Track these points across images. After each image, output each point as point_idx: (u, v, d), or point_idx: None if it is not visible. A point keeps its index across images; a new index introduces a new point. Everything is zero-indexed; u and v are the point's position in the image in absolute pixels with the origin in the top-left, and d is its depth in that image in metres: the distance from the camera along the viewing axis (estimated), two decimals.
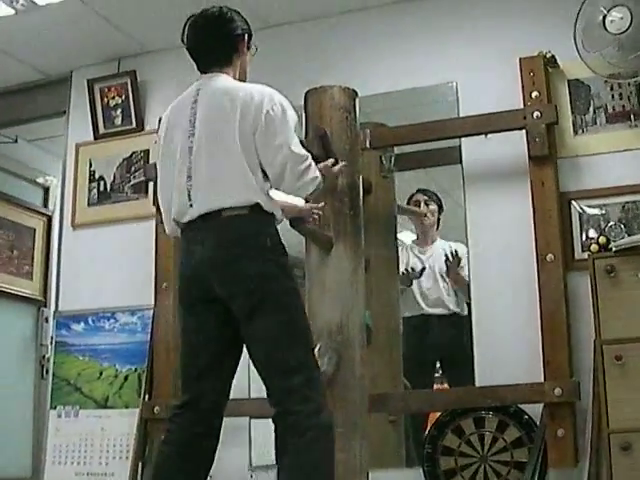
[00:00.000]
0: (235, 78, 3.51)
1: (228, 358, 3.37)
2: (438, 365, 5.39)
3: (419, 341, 5.32)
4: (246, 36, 3.56)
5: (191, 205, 3.29)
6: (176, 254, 4.94)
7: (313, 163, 3.36)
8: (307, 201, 3.83)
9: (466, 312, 5.02)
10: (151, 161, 5.34)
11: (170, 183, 3.39)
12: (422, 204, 5.44)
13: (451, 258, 5.21)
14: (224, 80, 3.45)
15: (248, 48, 3.59)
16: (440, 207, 5.47)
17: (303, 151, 3.34)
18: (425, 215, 5.45)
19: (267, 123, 3.27)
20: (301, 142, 3.42)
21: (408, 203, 5.48)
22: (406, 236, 6.06)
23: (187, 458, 3.29)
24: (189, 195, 3.29)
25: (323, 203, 3.94)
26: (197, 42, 3.52)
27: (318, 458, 3.14)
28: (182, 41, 3.57)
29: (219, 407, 3.42)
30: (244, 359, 4.58)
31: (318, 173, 3.38)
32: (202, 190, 3.27)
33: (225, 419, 4.43)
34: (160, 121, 3.65)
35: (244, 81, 3.56)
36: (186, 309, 3.40)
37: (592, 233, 4.45)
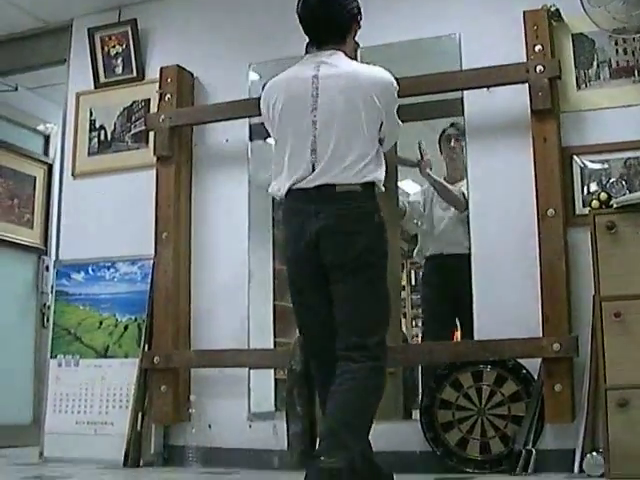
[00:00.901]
0: (348, 55, 3.69)
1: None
2: None
3: (438, 281, 5.43)
4: (359, 17, 3.75)
5: (310, 175, 3.50)
6: (181, 202, 5.09)
7: None
8: None
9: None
10: (152, 110, 5.33)
11: (286, 150, 3.58)
12: (453, 139, 5.45)
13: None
14: (343, 60, 3.66)
15: (359, 27, 3.78)
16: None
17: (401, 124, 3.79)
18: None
19: (390, 105, 3.63)
20: None
21: (440, 137, 5.52)
22: (407, 185, 6.07)
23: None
24: (312, 166, 3.50)
25: None
26: (317, 15, 3.66)
27: (360, 394, 3.41)
28: (297, 13, 3.70)
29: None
30: (242, 310, 4.62)
31: None
32: (324, 164, 3.48)
33: (224, 369, 4.47)
34: (264, 90, 3.76)
35: (354, 57, 3.81)
36: (300, 270, 3.61)
37: (593, 188, 4.43)
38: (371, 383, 3.44)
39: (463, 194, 5.10)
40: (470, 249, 4.71)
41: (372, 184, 3.52)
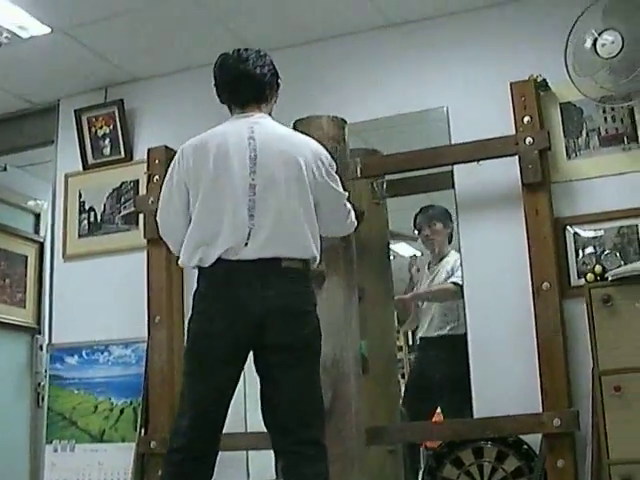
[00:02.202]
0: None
1: (230, 403, 3.39)
2: None
3: (423, 361, 5.37)
4: (279, 79, 3.65)
5: (246, 244, 3.27)
6: (173, 284, 5.03)
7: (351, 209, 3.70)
8: None
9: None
10: (141, 192, 5.31)
11: (215, 214, 3.34)
12: (425, 227, 5.43)
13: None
14: (272, 122, 3.53)
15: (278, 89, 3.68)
16: (445, 222, 5.35)
17: (346, 194, 3.67)
18: (416, 239, 5.43)
19: (327, 175, 3.49)
20: None
21: (414, 222, 5.47)
22: (402, 248, 6.04)
23: None
24: (249, 234, 3.28)
25: None
26: (237, 77, 3.54)
27: None
28: (214, 74, 3.58)
29: (217, 448, 3.43)
30: (238, 393, 4.53)
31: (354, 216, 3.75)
32: (265, 234, 3.28)
33: (223, 453, 4.40)
34: (184, 150, 3.54)
35: None
36: (218, 352, 3.31)
37: (588, 259, 4.41)
38: None
39: (454, 283, 5.08)
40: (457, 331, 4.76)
41: (308, 261, 3.37)
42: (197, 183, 3.41)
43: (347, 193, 3.68)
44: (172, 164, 3.57)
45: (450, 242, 5.40)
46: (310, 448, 3.27)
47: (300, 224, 3.33)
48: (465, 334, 4.65)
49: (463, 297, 4.70)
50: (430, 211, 5.43)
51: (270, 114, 3.61)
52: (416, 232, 5.50)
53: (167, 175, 3.59)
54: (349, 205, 3.69)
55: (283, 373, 3.29)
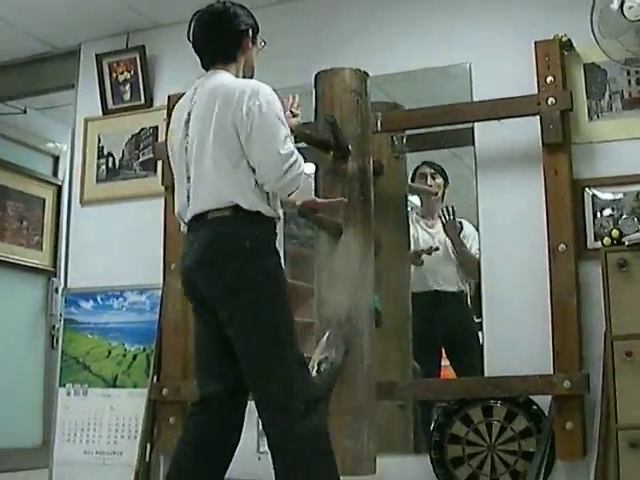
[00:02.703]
0: (238, 75, 3.45)
1: (230, 354, 3.28)
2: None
3: (427, 318, 5.33)
4: (251, 31, 3.49)
5: (188, 205, 3.32)
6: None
7: (298, 159, 3.26)
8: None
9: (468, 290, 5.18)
10: (160, 139, 5.29)
11: (177, 181, 3.44)
12: (428, 177, 5.39)
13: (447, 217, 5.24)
14: (220, 77, 3.39)
15: (254, 43, 3.52)
16: (446, 180, 5.40)
17: (286, 149, 3.23)
18: (436, 193, 5.40)
19: (249, 120, 3.21)
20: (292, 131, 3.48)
21: (414, 175, 5.40)
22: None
23: (204, 457, 3.30)
24: (188, 196, 3.32)
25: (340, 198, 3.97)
26: (200, 39, 3.48)
27: (308, 467, 3.17)
28: (187, 38, 3.52)
29: (236, 403, 3.37)
30: None
31: (301, 170, 3.27)
32: (197, 191, 3.29)
33: None
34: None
35: (251, 77, 3.51)
36: (192, 307, 3.48)
37: (605, 222, 4.39)
38: (308, 448, 3.17)
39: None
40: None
41: (239, 206, 3.21)
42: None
43: (291, 149, 3.26)
44: None
45: (443, 202, 5.43)
46: (269, 411, 3.18)
47: (224, 174, 3.22)
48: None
49: (480, 251, 4.72)
50: (434, 165, 5.38)
51: (250, 68, 3.52)
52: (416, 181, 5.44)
53: None
54: (295, 162, 3.26)
55: (226, 327, 3.23)
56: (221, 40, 3.45)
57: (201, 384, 3.37)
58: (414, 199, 5.50)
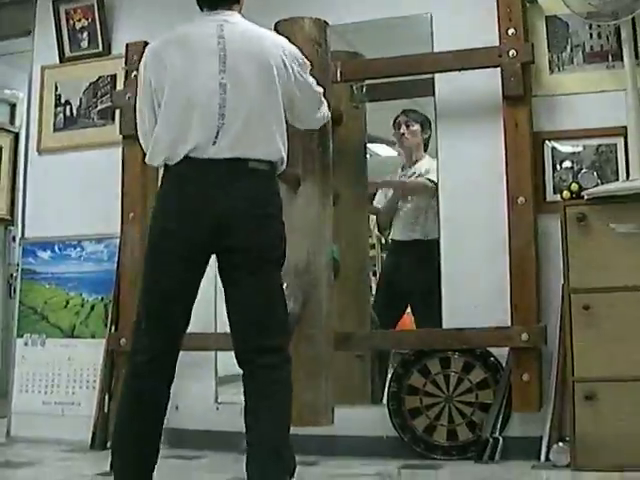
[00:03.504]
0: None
1: (193, 304, 3.28)
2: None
3: (394, 265, 5.35)
4: None
5: (214, 143, 3.14)
6: (147, 181, 4.91)
7: (323, 99, 3.64)
8: None
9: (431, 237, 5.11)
10: (118, 87, 5.23)
11: (183, 111, 3.20)
12: (402, 125, 5.43)
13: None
14: (243, 21, 3.37)
15: None
16: (424, 126, 5.40)
17: (321, 89, 3.58)
18: (394, 143, 5.42)
19: (299, 73, 3.38)
20: None
21: (394, 123, 5.46)
22: (380, 148, 6.04)
23: (150, 408, 3.23)
24: (217, 133, 3.15)
25: None
26: None
27: (288, 402, 3.25)
28: None
29: (177, 355, 3.31)
30: (208, 293, 4.46)
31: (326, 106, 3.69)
32: (234, 134, 3.15)
33: (192, 353, 4.42)
34: (149, 51, 3.38)
35: None
36: (175, 250, 3.19)
37: (565, 174, 4.40)
38: (290, 390, 3.27)
39: (430, 180, 5.13)
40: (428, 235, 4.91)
41: (276, 163, 3.26)
42: (164, 82, 3.26)
43: (322, 89, 3.60)
44: (141, 65, 3.41)
45: (426, 149, 5.43)
46: (270, 356, 3.19)
47: (269, 126, 3.22)
48: (435, 240, 4.71)
49: (438, 205, 4.70)
50: (411, 113, 5.43)
51: (240, 11, 3.45)
52: (393, 130, 5.49)
53: (138, 77, 3.46)
54: (324, 100, 3.66)
55: (244, 277, 3.20)
56: None
57: (157, 335, 3.22)
58: None
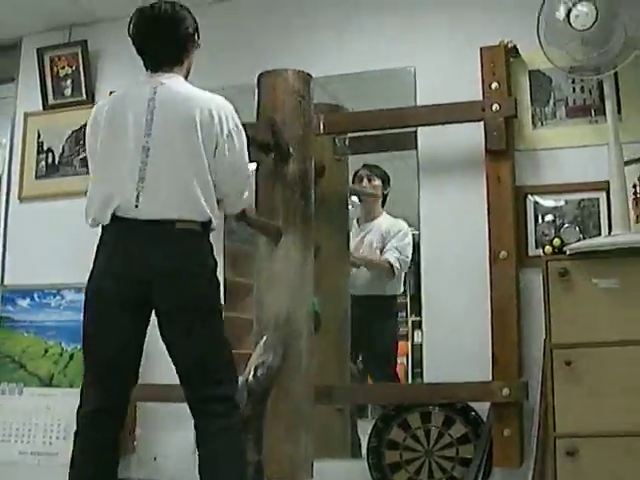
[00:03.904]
0: (184, 77, 3.46)
1: (138, 359, 3.37)
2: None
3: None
4: (196, 35, 3.51)
5: (137, 206, 3.20)
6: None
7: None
8: None
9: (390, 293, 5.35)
10: None
11: (108, 174, 3.29)
12: (364, 179, 5.43)
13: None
14: (182, 85, 3.40)
15: (196, 46, 3.54)
16: (385, 182, 5.44)
17: (249, 173, 3.53)
18: (375, 195, 5.41)
19: (229, 142, 3.34)
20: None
21: (354, 178, 5.43)
22: None
23: (103, 459, 3.31)
24: (137, 196, 3.20)
25: None
26: (147, 40, 3.44)
27: (239, 448, 3.32)
28: (129, 33, 3.46)
29: (129, 397, 3.41)
30: None
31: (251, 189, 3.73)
32: (155, 196, 3.22)
33: (170, 404, 4.39)
34: (96, 111, 3.47)
35: (187, 77, 3.51)
36: (107, 309, 3.26)
37: (547, 228, 4.40)
38: (240, 436, 3.34)
39: (388, 262, 5.24)
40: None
41: (207, 223, 3.29)
42: (96, 144, 3.38)
43: (250, 174, 3.57)
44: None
45: (383, 206, 5.48)
46: (218, 405, 3.25)
47: (192, 188, 3.24)
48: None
49: (419, 257, 4.71)
50: (373, 168, 5.43)
51: (188, 70, 3.53)
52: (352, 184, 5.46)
53: None
54: (247, 187, 3.58)
55: (177, 335, 3.26)
56: (171, 43, 3.43)
57: (97, 392, 3.31)
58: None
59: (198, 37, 3.53)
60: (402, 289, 5.45)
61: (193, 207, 3.24)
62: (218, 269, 3.39)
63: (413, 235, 5.17)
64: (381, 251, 5.34)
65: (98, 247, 3.34)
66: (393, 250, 5.29)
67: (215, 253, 3.36)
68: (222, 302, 3.45)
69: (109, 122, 3.36)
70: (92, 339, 3.33)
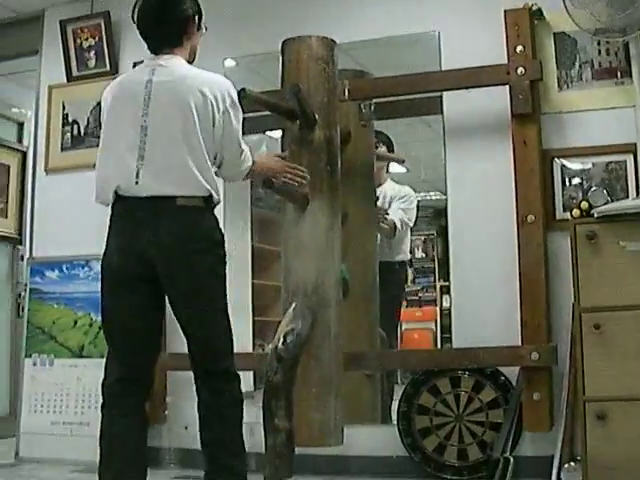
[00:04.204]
0: (186, 59, 3.50)
1: (155, 329, 3.45)
2: None
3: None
4: (196, 17, 3.54)
5: (137, 182, 3.27)
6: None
7: (249, 153, 3.55)
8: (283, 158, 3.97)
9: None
10: None
11: (110, 154, 3.39)
12: None
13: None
14: (179, 64, 3.45)
15: (199, 29, 3.58)
16: (389, 148, 5.45)
17: (243, 146, 3.50)
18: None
19: (225, 118, 3.39)
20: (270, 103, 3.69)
21: None
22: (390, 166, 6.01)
23: (130, 426, 3.39)
24: (137, 173, 3.27)
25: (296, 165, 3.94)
26: (147, 23, 3.48)
27: (236, 421, 3.42)
28: (132, 18, 3.50)
29: (152, 368, 3.50)
30: None
31: (251, 161, 3.57)
32: (154, 173, 3.27)
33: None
34: (103, 94, 3.53)
35: (193, 61, 3.56)
36: (120, 284, 3.36)
37: (574, 192, 4.38)
38: (238, 407, 3.42)
39: (394, 222, 5.25)
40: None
41: (208, 198, 3.34)
42: (101, 125, 3.50)
43: (245, 147, 3.54)
44: None
45: (388, 170, 5.51)
46: (215, 380, 3.36)
47: (188, 164, 3.28)
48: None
49: (446, 222, 4.70)
50: (378, 134, 5.36)
51: (194, 52, 3.58)
52: None
53: None
54: (246, 151, 3.56)
55: (183, 308, 3.35)
56: (169, 25, 3.47)
57: (120, 363, 3.41)
58: None
59: (200, 19, 3.57)
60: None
61: (191, 183, 3.28)
62: (225, 242, 3.42)
63: (440, 200, 5.15)
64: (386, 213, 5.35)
65: (109, 225, 3.43)
66: (397, 211, 5.30)
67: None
68: (225, 277, 3.43)
69: (111, 105, 3.45)
70: (107, 313, 3.42)
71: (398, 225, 5.27)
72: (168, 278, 3.29)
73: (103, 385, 3.44)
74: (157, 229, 3.24)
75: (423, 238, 6.78)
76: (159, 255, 3.25)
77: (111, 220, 3.43)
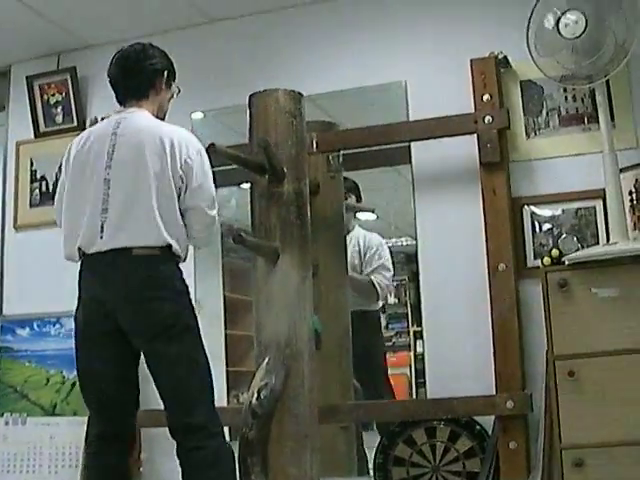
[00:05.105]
0: (153, 114, 3.56)
1: (129, 385, 3.49)
2: None
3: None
4: (165, 73, 3.63)
5: (102, 237, 3.33)
6: None
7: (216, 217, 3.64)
8: None
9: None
10: None
11: (74, 209, 3.45)
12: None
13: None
14: (144, 117, 3.51)
15: (169, 86, 3.66)
16: (357, 196, 5.44)
17: (214, 212, 3.58)
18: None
19: (188, 174, 3.43)
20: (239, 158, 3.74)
21: None
22: (360, 214, 6.00)
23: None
24: (102, 227, 3.33)
25: None
26: (116, 74, 3.61)
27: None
28: (107, 75, 3.63)
29: (132, 423, 3.53)
30: None
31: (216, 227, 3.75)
32: (115, 226, 3.33)
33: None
34: (68, 147, 3.64)
35: (163, 119, 3.62)
36: (89, 340, 3.43)
37: (544, 239, 4.39)
38: (220, 463, 3.38)
39: (372, 282, 5.27)
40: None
41: (167, 248, 3.36)
42: (66, 181, 3.56)
43: (215, 214, 3.60)
44: None
45: (355, 216, 5.51)
46: (193, 437, 3.31)
47: (151, 215, 3.33)
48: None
49: (417, 272, 4.68)
50: (346, 182, 5.32)
51: (162, 109, 3.65)
52: None
53: None
54: (213, 225, 3.64)
55: (150, 358, 3.36)
56: (136, 76, 3.57)
57: (98, 417, 3.46)
58: None
59: (169, 77, 3.66)
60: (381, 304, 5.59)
61: (149, 233, 3.32)
62: (190, 292, 3.47)
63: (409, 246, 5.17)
64: (360, 266, 5.35)
65: (78, 280, 3.52)
66: (377, 273, 5.32)
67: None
68: (195, 322, 3.44)
69: (76, 159, 3.52)
70: (80, 367, 3.48)
71: (379, 290, 5.33)
72: (129, 328, 3.31)
73: (85, 441, 3.55)
74: (115, 281, 3.29)
75: (395, 283, 6.74)
76: (117, 306, 3.28)
77: (80, 276, 3.51)
